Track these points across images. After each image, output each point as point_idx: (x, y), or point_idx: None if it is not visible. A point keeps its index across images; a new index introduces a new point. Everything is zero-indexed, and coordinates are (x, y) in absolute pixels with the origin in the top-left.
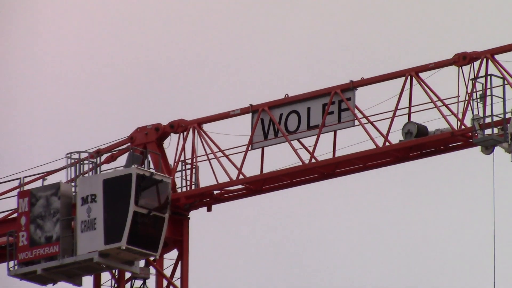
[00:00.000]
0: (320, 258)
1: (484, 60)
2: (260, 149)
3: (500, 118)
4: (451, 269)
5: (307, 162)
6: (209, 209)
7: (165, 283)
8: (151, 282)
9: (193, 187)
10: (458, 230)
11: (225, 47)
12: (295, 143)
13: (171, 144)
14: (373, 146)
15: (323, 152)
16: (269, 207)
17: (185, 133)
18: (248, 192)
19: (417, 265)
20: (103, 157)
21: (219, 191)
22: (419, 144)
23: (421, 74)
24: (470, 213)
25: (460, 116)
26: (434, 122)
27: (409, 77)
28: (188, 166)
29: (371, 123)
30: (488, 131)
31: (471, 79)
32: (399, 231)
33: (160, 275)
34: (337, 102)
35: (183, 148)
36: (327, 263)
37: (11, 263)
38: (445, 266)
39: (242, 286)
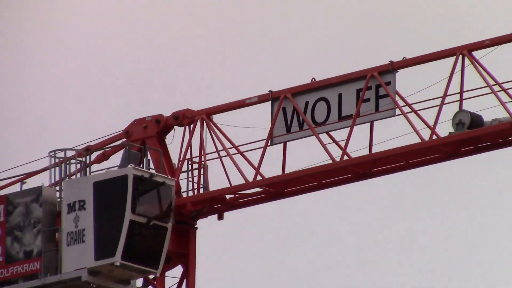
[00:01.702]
0: (353, 274)
1: None
2: (282, 145)
3: None
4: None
5: (338, 159)
6: (220, 217)
7: None
8: None
9: (201, 190)
10: None
11: (239, 23)
12: (324, 137)
13: (174, 139)
14: (418, 140)
15: (358, 148)
16: (292, 213)
17: (191, 126)
18: (267, 196)
19: (469, 278)
20: (94, 155)
21: (232, 196)
22: (473, 137)
23: (474, 53)
24: None
25: None
26: (490, 110)
27: (460, 56)
28: (195, 166)
29: (415, 112)
30: None
31: None
32: (451, 239)
33: None
34: (374, 87)
35: (189, 144)
36: (361, 279)
37: None
38: (497, 268)
39: None
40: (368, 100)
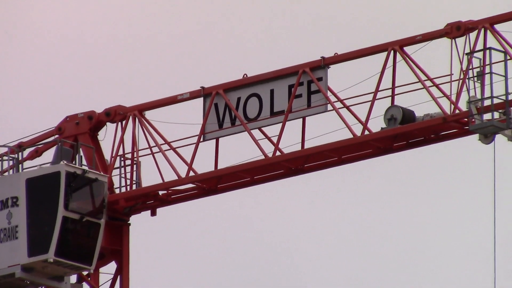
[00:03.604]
0: (287, 270)
1: (482, 30)
2: (214, 140)
3: (502, 100)
4: (442, 273)
5: (270, 155)
6: (153, 213)
7: None
8: None
9: (134, 187)
10: (450, 233)
11: (171, 19)
12: (256, 133)
13: (107, 136)
14: (350, 136)
15: (290, 143)
16: (225, 209)
17: (123, 122)
18: (200, 192)
19: (401, 271)
20: (26, 152)
21: (165, 192)
22: (405, 133)
23: (406, 48)
24: (466, 213)
25: (453, 98)
26: (422, 105)
27: (392, 52)
28: (128, 162)
29: (347, 107)
30: (487, 116)
31: (466, 54)
32: (380, 235)
33: None
34: (305, 83)
35: (122, 140)
36: (295, 275)
37: None
38: (435, 271)
39: None
40: (300, 96)
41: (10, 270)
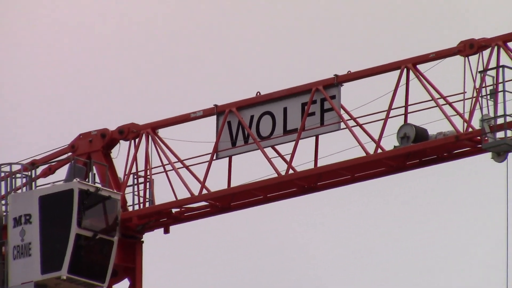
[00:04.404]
0: (300, 287)
1: (495, 48)
2: (227, 158)
3: None
4: None
5: (283, 173)
6: (166, 231)
7: None
8: None
9: (147, 204)
10: (463, 251)
11: (184, 36)
12: (269, 151)
13: (120, 154)
14: (363, 154)
15: (303, 162)
16: (238, 227)
17: (137, 140)
18: (213, 209)
19: None
20: (39, 169)
21: (178, 209)
22: (418, 151)
23: (419, 66)
24: (479, 231)
25: (466, 116)
26: (435, 124)
27: (405, 70)
28: (141, 180)
29: (360, 125)
30: (500, 134)
31: (479, 72)
32: (394, 254)
33: None
34: (319, 101)
35: (135, 158)
36: None
37: None
38: None
39: None
40: (313, 114)
41: (23, 287)
